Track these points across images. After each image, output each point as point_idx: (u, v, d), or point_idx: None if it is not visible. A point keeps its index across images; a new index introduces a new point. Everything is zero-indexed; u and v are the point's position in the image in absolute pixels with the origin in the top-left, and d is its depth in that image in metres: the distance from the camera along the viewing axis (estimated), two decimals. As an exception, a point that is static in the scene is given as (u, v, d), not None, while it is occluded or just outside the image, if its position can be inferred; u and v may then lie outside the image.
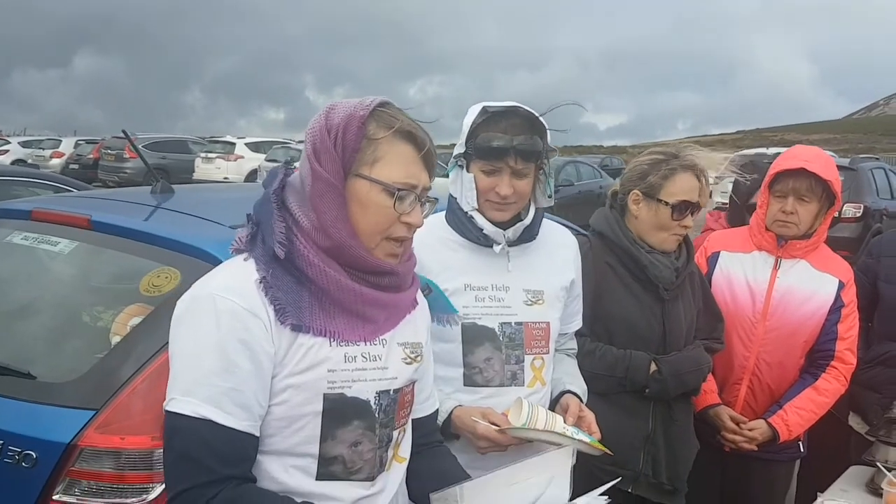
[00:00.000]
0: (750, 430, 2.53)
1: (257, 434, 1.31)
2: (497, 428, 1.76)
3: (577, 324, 2.10)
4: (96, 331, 2.11)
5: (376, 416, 1.39)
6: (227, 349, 1.26)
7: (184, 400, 1.25)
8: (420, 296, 1.56)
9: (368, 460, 1.39)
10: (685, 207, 2.23)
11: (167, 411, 1.27)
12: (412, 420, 1.55)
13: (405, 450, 1.52)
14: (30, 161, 24.44)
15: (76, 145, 25.27)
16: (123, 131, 2.89)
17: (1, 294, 2.39)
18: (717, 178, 2.39)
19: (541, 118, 1.82)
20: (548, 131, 1.84)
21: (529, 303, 1.91)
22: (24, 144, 26.86)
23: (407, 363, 1.45)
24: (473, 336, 1.87)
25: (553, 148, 1.87)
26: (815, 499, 2.35)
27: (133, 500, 1.80)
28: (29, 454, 1.83)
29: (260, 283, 1.30)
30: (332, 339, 1.33)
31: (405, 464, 1.52)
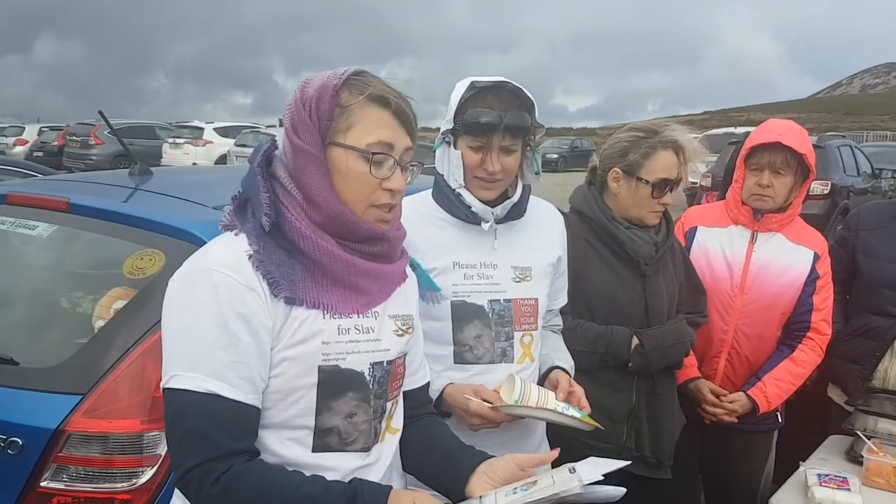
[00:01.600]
0: (730, 402, 2.57)
1: (260, 407, 1.32)
2: (490, 405, 1.77)
3: (563, 300, 2.12)
4: (79, 315, 2.08)
5: (370, 387, 1.40)
6: (229, 322, 1.26)
7: (187, 375, 1.25)
8: (409, 269, 1.58)
9: (363, 431, 1.40)
10: (665, 185, 2.25)
11: (169, 388, 1.27)
12: (404, 392, 1.56)
13: (398, 421, 1.53)
14: (-8, 148, 23.93)
15: (40, 132, 24.76)
16: (100, 112, 2.84)
17: (-21, 280, 2.34)
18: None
19: (528, 93, 1.81)
20: (535, 108, 1.84)
21: (518, 279, 1.92)
22: (-14, 132, 26.25)
23: (399, 335, 1.46)
24: (463, 314, 1.87)
25: (540, 124, 1.87)
26: (797, 468, 2.40)
27: (123, 484, 1.79)
28: (15, 441, 1.81)
29: (251, 257, 1.30)
30: (325, 312, 1.34)
31: (398, 435, 1.53)
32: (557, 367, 1.97)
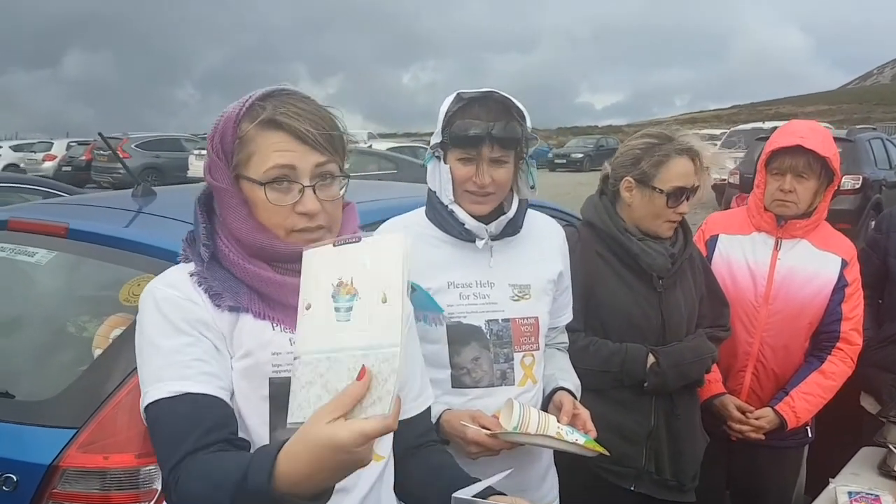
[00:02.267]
0: (757, 419, 2.47)
1: (230, 404, 1.28)
2: (488, 432, 1.70)
3: (568, 317, 2.03)
4: (77, 344, 2.04)
5: None
6: (179, 328, 1.27)
7: (155, 387, 1.24)
8: None
9: None
10: (680, 194, 2.16)
11: (145, 408, 1.25)
12: (400, 420, 1.47)
13: (384, 448, 1.43)
14: (22, 165, 24.32)
15: (68, 147, 25.11)
16: (100, 134, 2.81)
17: (-22, 310, 2.31)
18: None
19: (518, 103, 1.74)
20: (527, 118, 1.76)
21: (516, 298, 1.84)
22: (16, 148, 26.59)
23: None
24: (459, 335, 1.80)
25: (534, 136, 1.79)
26: (827, 483, 2.29)
27: (119, 520, 1.74)
28: (9, 477, 1.77)
29: (192, 275, 1.32)
30: (274, 324, 1.31)
31: (382, 462, 1.43)
32: (562, 389, 1.88)
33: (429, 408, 1.56)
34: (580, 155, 33.06)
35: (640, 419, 2.19)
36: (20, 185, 5.94)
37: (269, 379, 1.29)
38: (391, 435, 1.42)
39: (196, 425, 1.20)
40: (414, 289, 1.59)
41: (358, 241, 1.13)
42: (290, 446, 1.05)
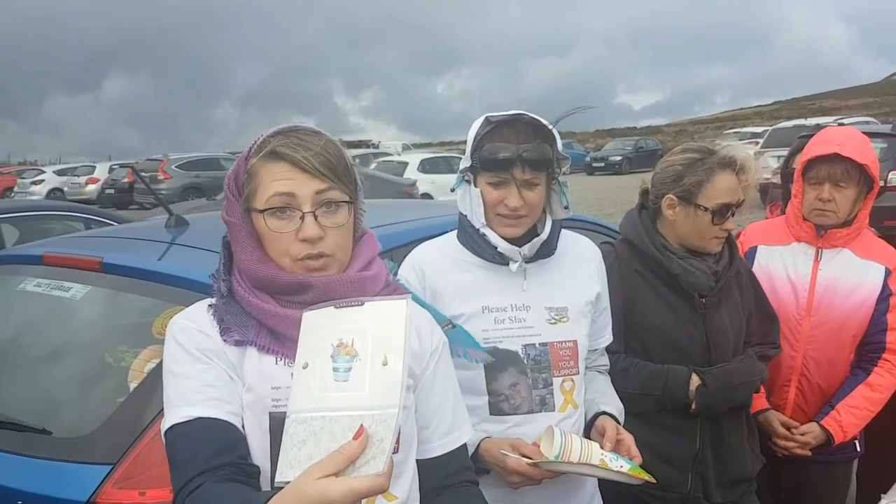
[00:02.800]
0: (802, 434, 2.40)
1: (240, 427, 1.30)
2: (529, 461, 1.66)
3: (608, 338, 1.98)
4: (113, 379, 2.07)
5: None
6: (192, 356, 1.31)
7: (170, 413, 1.28)
8: (414, 317, 1.40)
9: None
10: (726, 210, 2.09)
11: (163, 434, 1.29)
12: (427, 460, 1.43)
13: (400, 488, 1.37)
14: (66, 189, 24.92)
15: (111, 170, 25.61)
16: (133, 169, 2.86)
17: (16, 346, 2.36)
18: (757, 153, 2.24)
19: (548, 125, 1.72)
20: (557, 139, 1.73)
21: (553, 321, 1.80)
22: (59, 173, 27.27)
23: None
24: (496, 361, 1.76)
25: (565, 156, 1.76)
26: (879, 499, 2.20)
27: (158, 557, 1.75)
28: (47, 514, 1.79)
29: (209, 307, 1.37)
30: (278, 358, 1.32)
31: (397, 503, 1.37)
32: (604, 413, 1.84)
33: (462, 446, 1.49)
34: (619, 157, 32.66)
35: (685, 443, 2.13)
36: (64, 213, 6.06)
37: (269, 413, 1.30)
38: (409, 475, 1.40)
39: (204, 448, 1.23)
40: (453, 325, 1.56)
41: (360, 305, 1.15)
42: (279, 498, 1.05)
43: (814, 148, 2.38)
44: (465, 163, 1.77)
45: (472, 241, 1.80)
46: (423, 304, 1.56)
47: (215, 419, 1.26)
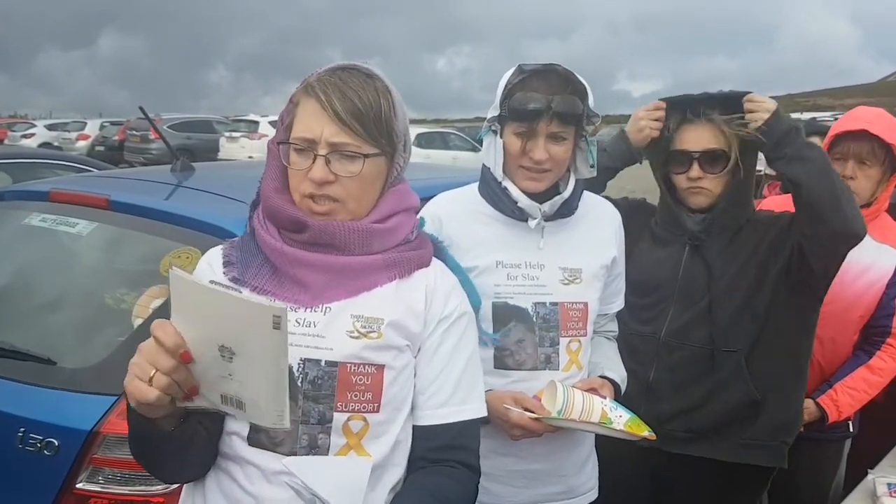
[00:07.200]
0: None
1: None
2: (531, 415, 1.66)
3: (619, 304, 1.98)
4: (117, 314, 2.06)
5: (299, 384, 1.29)
6: None
7: None
8: (432, 279, 1.42)
9: (290, 433, 1.29)
10: (686, 159, 2.10)
11: None
12: (419, 426, 1.39)
13: (378, 447, 1.33)
14: (56, 143, 24.65)
15: (101, 127, 25.35)
16: (140, 108, 2.82)
17: (21, 279, 2.35)
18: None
19: (581, 79, 1.70)
20: (590, 94, 1.71)
21: (566, 282, 1.79)
22: (50, 127, 26.97)
23: (353, 337, 1.32)
24: (504, 316, 1.75)
25: (596, 113, 1.74)
26: (866, 475, 2.24)
27: (158, 487, 1.76)
28: (51, 442, 1.80)
29: (227, 244, 1.42)
30: (269, 299, 1.30)
31: (371, 462, 1.32)
32: (605, 378, 1.83)
33: (460, 424, 1.39)
34: (612, 144, 32.69)
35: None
36: (55, 162, 5.99)
37: None
38: (390, 438, 1.35)
39: None
40: (476, 309, 1.52)
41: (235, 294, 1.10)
42: None
43: (843, 123, 2.38)
44: (493, 111, 1.74)
45: (493, 194, 1.78)
46: (465, 280, 1.50)
47: None
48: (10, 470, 1.85)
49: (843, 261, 2.09)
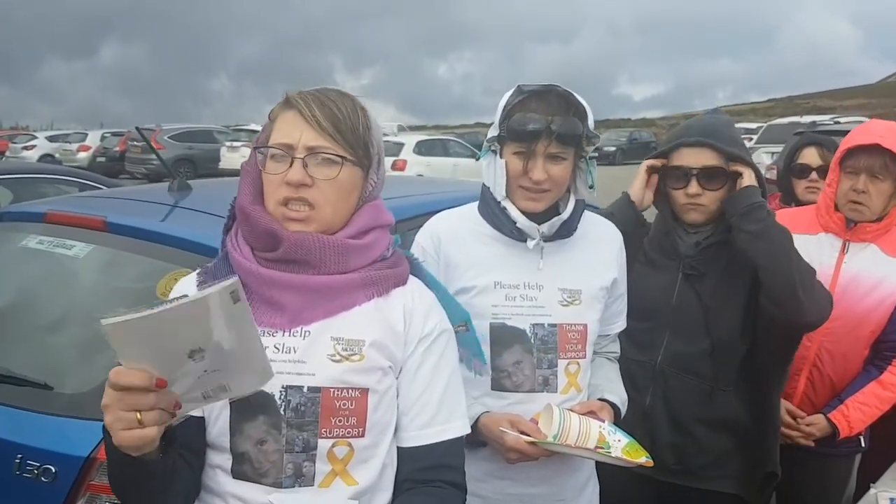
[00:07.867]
0: (808, 424, 2.39)
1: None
2: (527, 439, 1.64)
3: (621, 325, 1.95)
4: (115, 337, 2.03)
5: (282, 412, 1.27)
6: None
7: None
8: (409, 298, 1.40)
9: (274, 462, 1.27)
10: (682, 174, 2.08)
11: None
12: (401, 448, 1.37)
13: (365, 474, 1.32)
14: (57, 155, 24.69)
15: (102, 138, 25.42)
16: (137, 128, 2.81)
17: (17, 302, 2.32)
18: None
19: (581, 100, 1.69)
20: (589, 115, 1.71)
21: (565, 303, 1.77)
22: (51, 139, 26.99)
23: (334, 360, 1.30)
24: (502, 337, 1.74)
25: (595, 133, 1.74)
26: (868, 489, 2.21)
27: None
28: (48, 468, 1.78)
29: (201, 267, 1.42)
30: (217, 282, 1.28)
31: (356, 489, 1.31)
32: (605, 401, 1.81)
33: (446, 443, 1.39)
34: (613, 148, 32.66)
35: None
36: (57, 177, 5.99)
37: None
38: (377, 462, 1.34)
39: None
40: (468, 328, 1.52)
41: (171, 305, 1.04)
42: None
43: (855, 137, 2.35)
44: (492, 132, 1.74)
45: (493, 213, 1.77)
46: (444, 296, 1.49)
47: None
48: (9, 497, 1.83)
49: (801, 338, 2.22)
